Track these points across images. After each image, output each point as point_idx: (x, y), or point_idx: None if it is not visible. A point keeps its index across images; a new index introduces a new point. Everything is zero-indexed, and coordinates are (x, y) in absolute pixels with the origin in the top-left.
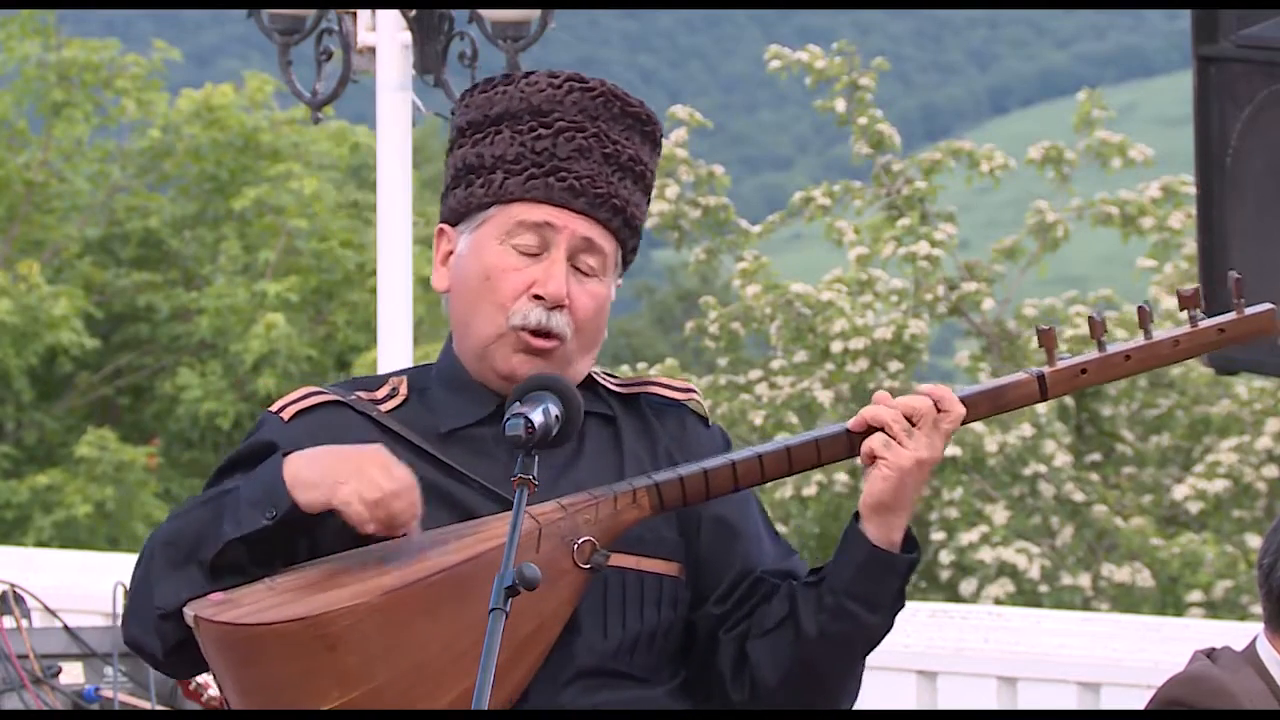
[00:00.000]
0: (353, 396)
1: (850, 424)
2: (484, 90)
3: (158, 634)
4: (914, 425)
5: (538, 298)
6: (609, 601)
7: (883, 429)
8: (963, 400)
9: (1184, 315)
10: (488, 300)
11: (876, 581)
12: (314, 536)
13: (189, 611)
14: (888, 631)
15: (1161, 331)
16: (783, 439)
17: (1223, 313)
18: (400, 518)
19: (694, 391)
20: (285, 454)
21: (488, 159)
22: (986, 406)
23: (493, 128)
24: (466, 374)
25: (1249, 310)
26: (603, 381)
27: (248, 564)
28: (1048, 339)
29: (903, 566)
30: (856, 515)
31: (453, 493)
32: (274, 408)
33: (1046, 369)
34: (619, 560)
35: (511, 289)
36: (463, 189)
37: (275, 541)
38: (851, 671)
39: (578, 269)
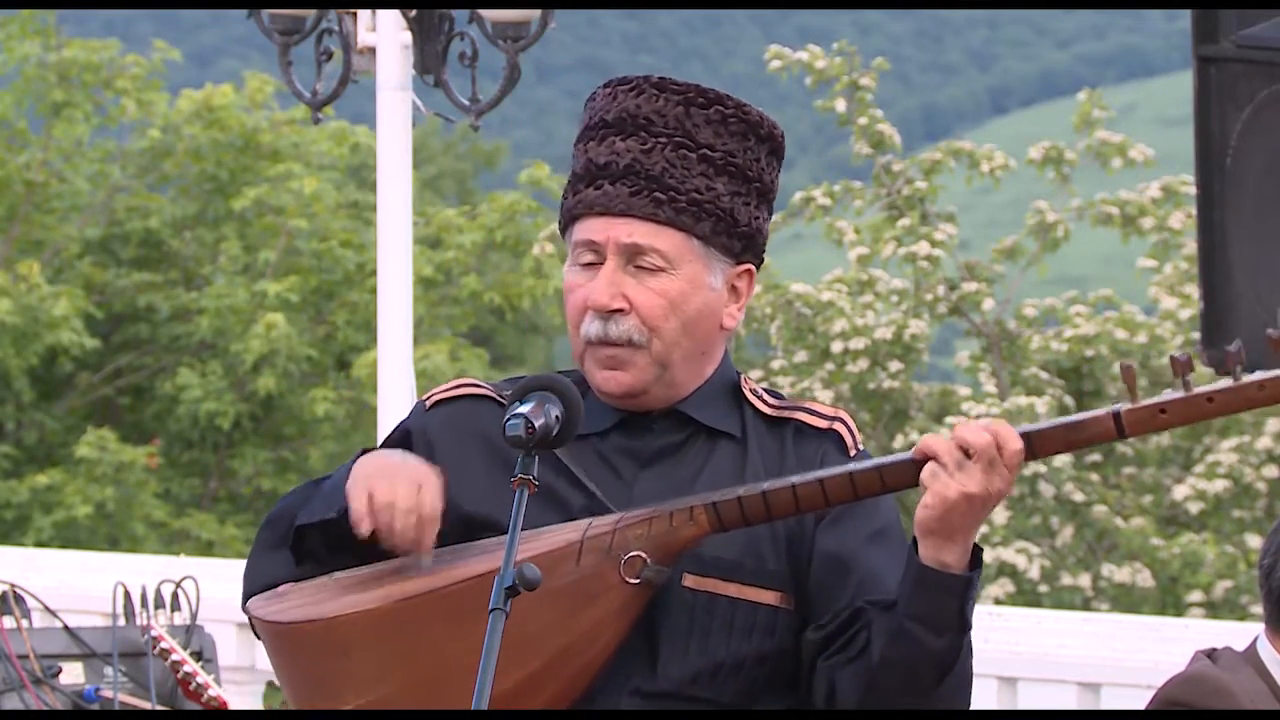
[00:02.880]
0: (507, 391)
1: (912, 452)
2: (588, 101)
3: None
4: (969, 458)
5: (592, 310)
6: (694, 626)
7: (935, 459)
8: (1034, 435)
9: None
10: (569, 321)
11: (932, 601)
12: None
13: (247, 605)
14: (956, 656)
15: (1251, 376)
16: (849, 465)
17: (1222, 317)
18: (399, 534)
19: (840, 419)
20: (365, 450)
21: (570, 179)
22: (1059, 443)
23: (577, 145)
24: (588, 385)
25: None
26: (754, 401)
27: (323, 552)
28: (1129, 376)
29: (958, 586)
30: (914, 541)
31: (562, 496)
32: (427, 394)
33: (1124, 406)
34: (714, 586)
35: (576, 308)
36: (561, 213)
37: (344, 533)
38: (924, 699)
39: (640, 269)
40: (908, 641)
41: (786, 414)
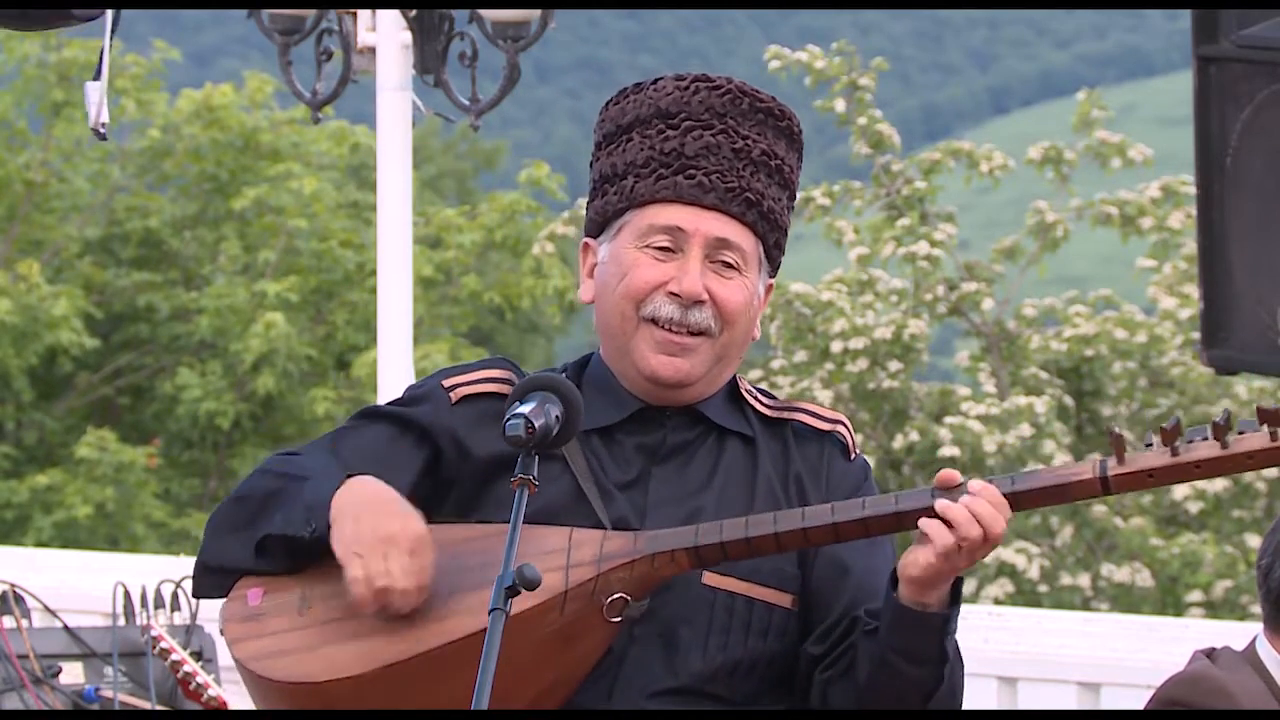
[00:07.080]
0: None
1: (937, 506)
2: (617, 102)
3: (197, 582)
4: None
5: (673, 294)
6: (714, 624)
7: (953, 529)
8: (1020, 495)
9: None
10: (622, 296)
11: (911, 637)
12: None
13: (220, 615)
14: (940, 684)
15: (1240, 441)
16: (828, 507)
17: (1222, 317)
18: (394, 609)
19: (841, 423)
20: (353, 475)
21: (620, 166)
22: (1044, 502)
23: (624, 136)
24: (612, 377)
25: None
26: (752, 401)
27: (286, 557)
28: (1118, 443)
29: (936, 623)
30: (894, 576)
31: (572, 498)
32: (447, 383)
33: (1113, 470)
34: (733, 585)
35: (645, 282)
36: (599, 199)
37: (312, 546)
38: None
39: (719, 264)
40: (890, 671)
41: (786, 415)
